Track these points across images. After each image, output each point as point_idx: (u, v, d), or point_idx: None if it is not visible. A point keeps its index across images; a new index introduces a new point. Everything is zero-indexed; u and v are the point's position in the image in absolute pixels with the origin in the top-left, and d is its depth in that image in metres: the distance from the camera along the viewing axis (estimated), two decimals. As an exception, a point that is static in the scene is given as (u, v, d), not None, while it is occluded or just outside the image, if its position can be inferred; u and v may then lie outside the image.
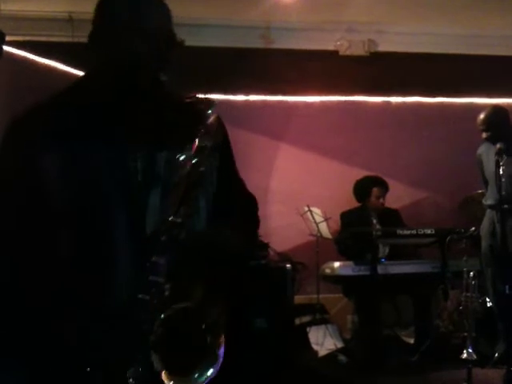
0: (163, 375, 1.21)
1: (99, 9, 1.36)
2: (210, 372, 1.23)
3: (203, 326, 1.25)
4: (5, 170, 1.34)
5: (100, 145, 1.31)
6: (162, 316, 1.22)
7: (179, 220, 1.28)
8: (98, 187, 1.31)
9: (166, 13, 1.38)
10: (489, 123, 4.30)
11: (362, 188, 5.34)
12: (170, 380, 1.21)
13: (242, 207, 1.53)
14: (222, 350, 1.25)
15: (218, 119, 1.43)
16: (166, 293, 1.25)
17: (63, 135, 1.30)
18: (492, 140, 4.27)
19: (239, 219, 1.47)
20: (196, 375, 1.23)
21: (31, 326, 1.29)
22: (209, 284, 1.32)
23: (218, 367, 1.24)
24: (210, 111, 1.35)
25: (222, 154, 1.47)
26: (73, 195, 1.30)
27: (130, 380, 1.21)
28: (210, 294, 1.30)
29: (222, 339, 1.25)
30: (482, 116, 4.36)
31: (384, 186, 5.33)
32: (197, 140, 1.33)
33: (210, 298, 1.29)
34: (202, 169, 1.32)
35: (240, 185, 1.58)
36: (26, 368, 1.30)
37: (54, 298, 1.28)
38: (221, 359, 1.25)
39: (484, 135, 4.34)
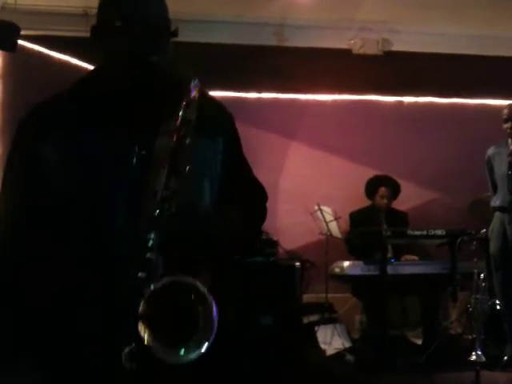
0: (159, 350, 1.20)
1: (100, 3, 1.41)
2: (203, 345, 1.22)
3: (193, 297, 1.25)
4: (12, 165, 1.40)
5: (99, 134, 1.35)
6: (151, 288, 1.22)
7: (168, 193, 1.29)
8: (97, 173, 1.34)
9: (161, 2, 1.41)
10: None
11: (370, 187, 5.35)
12: (159, 351, 1.20)
13: (248, 196, 1.53)
14: (214, 325, 1.24)
15: (221, 105, 1.50)
16: (159, 269, 1.26)
17: (63, 126, 1.35)
18: None
19: (243, 207, 1.47)
20: (182, 350, 1.22)
21: (40, 321, 1.32)
22: (200, 259, 1.33)
23: (210, 343, 1.23)
24: (191, 85, 1.35)
25: (227, 140, 1.48)
26: (74, 182, 1.33)
27: (125, 360, 1.22)
28: (201, 267, 1.32)
29: (214, 314, 1.24)
30: (507, 108, 4.31)
31: (392, 187, 5.33)
32: (180, 113, 1.32)
33: (201, 271, 1.30)
34: (188, 141, 1.32)
35: (248, 173, 1.58)
36: (39, 367, 1.33)
37: (60, 289, 1.31)
38: (212, 336, 1.23)
39: (509, 124, 4.26)
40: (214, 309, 1.24)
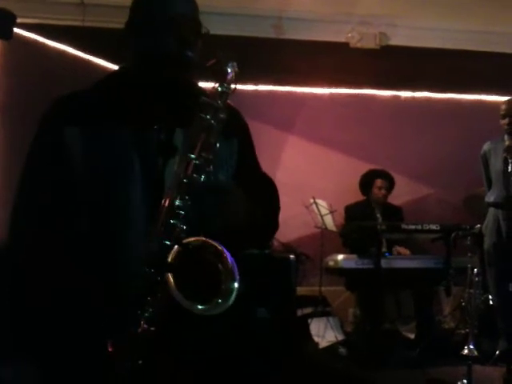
0: (186, 303, 1.26)
1: (134, 3, 1.48)
2: (234, 287, 1.31)
3: (213, 256, 1.32)
4: (34, 154, 1.42)
5: (121, 122, 1.40)
6: (175, 249, 1.30)
7: (199, 163, 1.36)
8: (116, 159, 1.39)
9: (190, 3, 1.48)
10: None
11: (366, 180, 5.36)
12: (194, 307, 1.27)
13: (262, 192, 1.59)
14: (235, 269, 1.32)
15: (236, 110, 1.57)
16: (183, 234, 1.33)
17: (86, 116, 1.40)
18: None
19: (259, 199, 1.51)
20: (219, 300, 1.29)
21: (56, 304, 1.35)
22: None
23: (238, 283, 1.32)
24: (228, 66, 1.43)
25: (242, 143, 1.57)
26: (93, 168, 1.37)
27: (143, 323, 1.28)
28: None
29: (230, 262, 1.32)
30: (505, 104, 4.31)
31: (388, 179, 5.34)
32: (219, 87, 1.41)
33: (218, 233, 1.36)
34: (222, 115, 1.40)
35: (261, 173, 1.67)
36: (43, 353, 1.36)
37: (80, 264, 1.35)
38: (237, 276, 1.32)
39: (506, 120, 4.27)
40: (230, 259, 1.32)
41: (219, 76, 1.43)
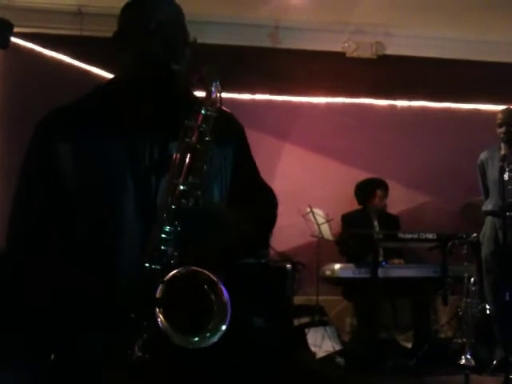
0: (175, 336, 1.23)
1: (120, 13, 1.46)
2: (222, 329, 1.27)
3: (205, 287, 1.29)
4: (29, 164, 1.43)
5: (114, 136, 1.39)
6: (166, 278, 1.27)
7: (186, 188, 1.34)
8: (108, 173, 1.38)
9: (176, 11, 1.47)
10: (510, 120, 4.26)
11: (365, 190, 5.36)
12: (183, 340, 1.24)
13: (257, 200, 1.57)
14: (228, 306, 1.28)
15: (230, 115, 1.54)
16: (173, 261, 1.31)
17: (80, 127, 1.39)
18: (509, 137, 4.23)
19: (252, 210, 1.49)
20: (208, 334, 1.26)
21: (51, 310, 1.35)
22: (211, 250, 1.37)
23: (228, 322, 1.28)
24: (213, 86, 1.40)
25: (237, 150, 1.54)
26: (86, 181, 1.37)
27: (137, 350, 1.26)
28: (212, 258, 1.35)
29: (225, 298, 1.29)
30: (501, 113, 4.32)
31: (386, 189, 5.36)
32: (202, 110, 1.38)
33: (212, 261, 1.34)
34: (207, 138, 1.37)
35: (258, 180, 1.63)
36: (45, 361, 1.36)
37: (67, 282, 1.34)
38: (228, 315, 1.28)
39: (503, 129, 4.28)
40: (225, 294, 1.28)
41: (203, 95, 1.40)
